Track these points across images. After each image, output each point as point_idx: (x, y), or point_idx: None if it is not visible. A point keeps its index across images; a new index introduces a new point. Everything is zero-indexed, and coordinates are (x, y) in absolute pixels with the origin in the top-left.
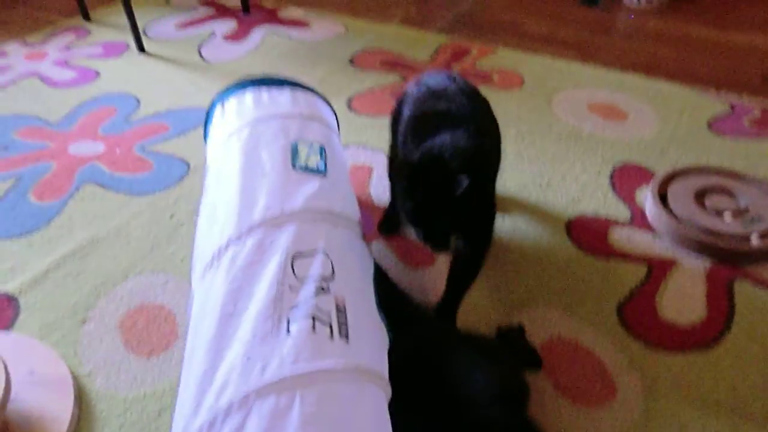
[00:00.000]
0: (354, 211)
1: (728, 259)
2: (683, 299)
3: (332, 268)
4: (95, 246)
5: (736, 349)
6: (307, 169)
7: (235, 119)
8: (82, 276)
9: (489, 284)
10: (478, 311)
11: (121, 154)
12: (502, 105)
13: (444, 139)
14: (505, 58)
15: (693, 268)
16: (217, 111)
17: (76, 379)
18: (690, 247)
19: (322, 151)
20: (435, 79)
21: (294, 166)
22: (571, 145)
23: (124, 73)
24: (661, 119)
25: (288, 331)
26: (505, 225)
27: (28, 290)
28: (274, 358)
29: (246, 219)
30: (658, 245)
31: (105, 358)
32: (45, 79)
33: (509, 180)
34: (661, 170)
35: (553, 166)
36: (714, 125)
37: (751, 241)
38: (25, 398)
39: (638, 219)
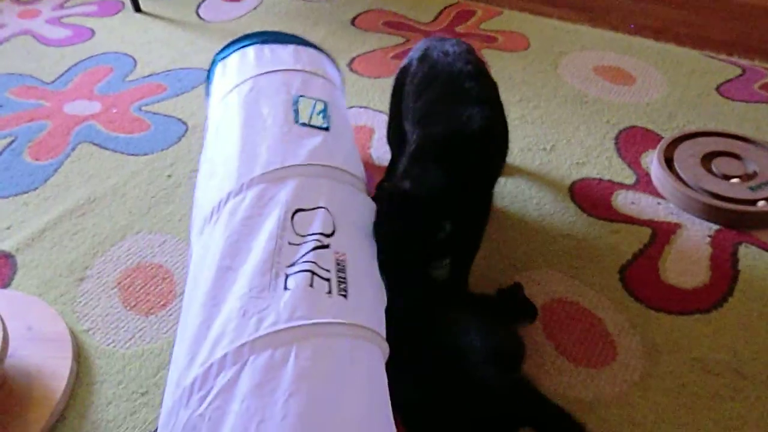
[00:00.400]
0: (358, 168)
1: (734, 223)
2: (686, 263)
3: (333, 224)
4: (92, 205)
5: (738, 313)
6: (309, 124)
7: (235, 75)
8: (79, 235)
9: (490, 246)
10: (479, 272)
11: (118, 114)
12: (507, 67)
13: (428, 171)
14: (511, 20)
15: (698, 232)
16: (219, 68)
17: (74, 335)
18: (695, 212)
19: (325, 107)
20: (440, 54)
21: (296, 121)
22: (576, 109)
23: (120, 33)
24: (669, 83)
25: (285, 286)
26: (507, 187)
27: (25, 248)
28: (270, 312)
29: (246, 173)
30: (663, 209)
31: (103, 315)
32: (39, 38)
33: (513, 143)
34: (668, 134)
35: (557, 130)
36: (723, 89)
37: (758, 205)
38: (24, 354)
39: (643, 183)
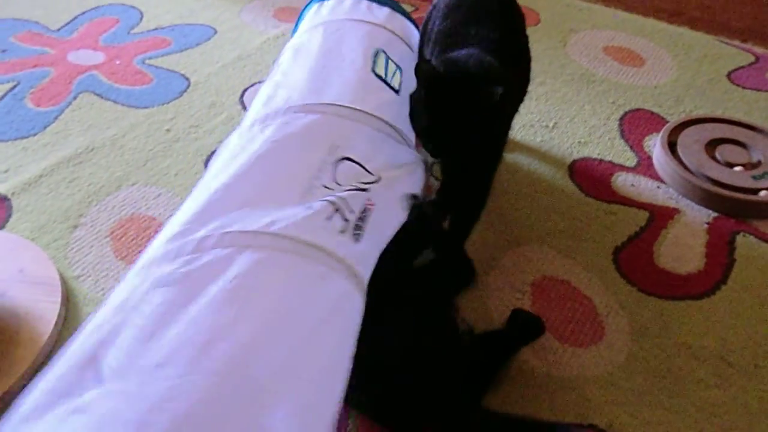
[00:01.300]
0: (414, 144)
1: (734, 211)
2: (682, 248)
3: (378, 175)
4: (90, 154)
5: (730, 301)
6: (383, 78)
7: (327, 14)
8: (75, 183)
9: (486, 219)
10: (472, 246)
11: (121, 66)
12: None
13: (472, 51)
14: None
15: (696, 218)
16: (314, 8)
17: (64, 281)
18: (695, 198)
19: (401, 73)
20: None
21: (372, 69)
22: (582, 88)
23: None
24: (679, 67)
25: (309, 206)
26: (506, 162)
27: (21, 192)
28: (282, 219)
29: (313, 96)
30: (663, 193)
31: (94, 263)
32: None
33: (515, 119)
34: (674, 119)
35: (561, 108)
36: (734, 76)
37: (760, 194)
38: (14, 295)
39: (645, 166)
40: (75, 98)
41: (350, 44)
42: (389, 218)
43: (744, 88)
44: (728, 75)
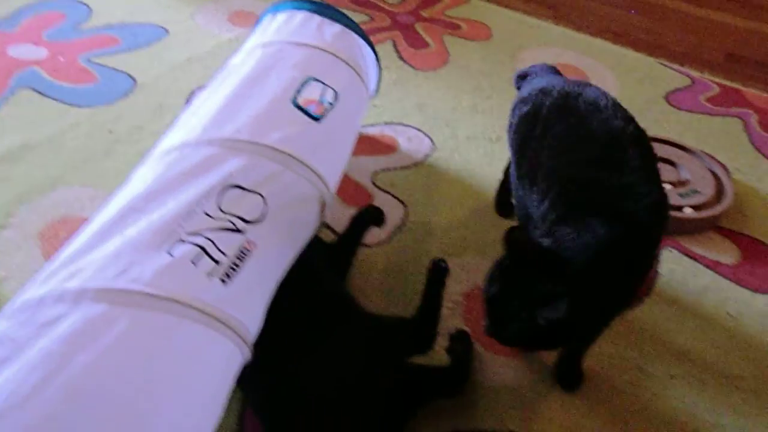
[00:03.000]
0: (331, 173)
1: None
2: None
3: (263, 214)
4: (25, 152)
5: (652, 313)
6: (301, 108)
7: (272, 33)
8: (7, 181)
9: (424, 229)
10: (410, 254)
11: (65, 63)
12: (466, 55)
13: (589, 238)
14: (476, 9)
15: None
16: (268, 17)
17: None
18: None
19: (334, 99)
20: (589, 105)
21: (293, 100)
22: None
23: None
24: (621, 86)
25: (170, 252)
26: (448, 173)
27: None
28: (137, 267)
29: (213, 130)
30: None
31: (21, 265)
32: None
33: (459, 129)
34: None
35: (506, 121)
36: (671, 98)
37: (684, 211)
38: None
39: None
40: (13, 94)
41: (280, 72)
42: (274, 257)
43: (679, 109)
44: (666, 96)
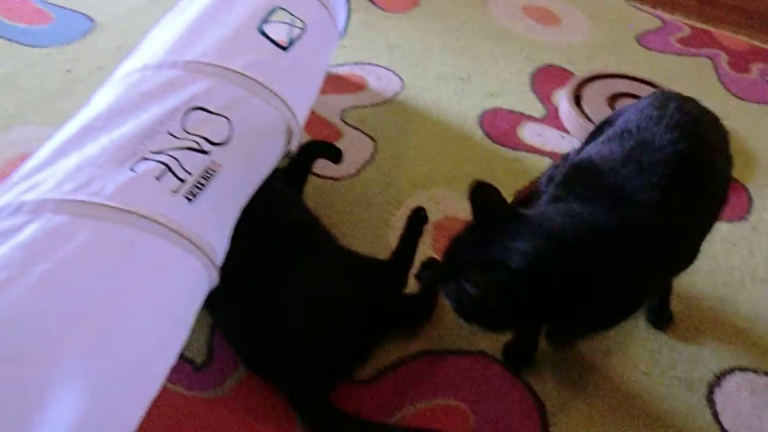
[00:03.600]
0: (300, 106)
1: None
2: None
3: (229, 137)
4: None
5: None
6: (267, 36)
7: None
8: None
9: (392, 163)
10: (377, 187)
11: (18, 3)
12: None
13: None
14: None
15: None
16: None
17: None
18: None
19: (302, 32)
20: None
21: (259, 27)
22: (498, 44)
23: None
24: (593, 27)
25: (133, 168)
26: (418, 110)
27: None
28: (98, 182)
29: (177, 52)
30: (566, 142)
31: None
32: None
33: (429, 69)
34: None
35: (476, 62)
36: (642, 38)
37: None
38: None
39: (552, 118)
40: None
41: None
42: (238, 179)
43: (650, 49)
44: (637, 37)
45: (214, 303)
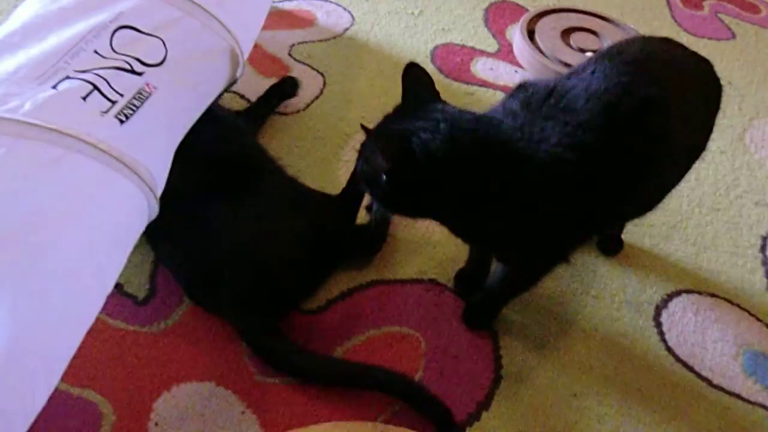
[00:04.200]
0: (242, 35)
1: None
2: None
3: (164, 58)
4: None
5: None
6: None
7: None
8: None
9: (342, 98)
10: (328, 121)
11: None
12: None
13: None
14: None
15: None
16: None
17: None
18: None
19: None
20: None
21: None
22: None
23: None
24: None
25: (55, 86)
26: (367, 45)
27: None
28: (15, 99)
29: None
30: (519, 77)
31: None
32: None
33: (380, 4)
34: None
35: None
36: None
37: None
38: None
39: (505, 53)
40: None
41: None
42: (175, 102)
43: None
44: None
45: (156, 234)
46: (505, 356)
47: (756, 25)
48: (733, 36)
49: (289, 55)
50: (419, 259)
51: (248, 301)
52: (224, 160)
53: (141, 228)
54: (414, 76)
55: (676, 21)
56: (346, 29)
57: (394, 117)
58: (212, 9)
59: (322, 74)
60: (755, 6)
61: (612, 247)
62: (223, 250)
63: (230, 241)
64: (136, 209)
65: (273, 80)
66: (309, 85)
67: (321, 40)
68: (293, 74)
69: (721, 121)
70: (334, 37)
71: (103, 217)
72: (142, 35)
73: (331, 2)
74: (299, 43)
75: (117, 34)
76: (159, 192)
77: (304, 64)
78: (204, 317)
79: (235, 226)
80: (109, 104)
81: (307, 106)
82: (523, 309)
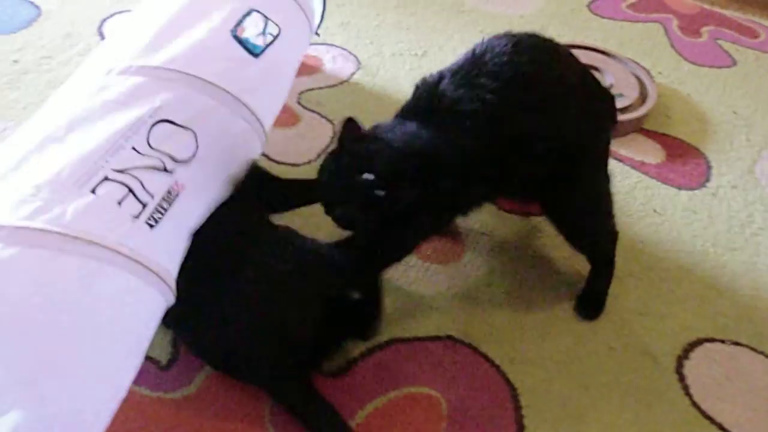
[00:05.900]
0: (268, 112)
1: None
2: None
3: (195, 153)
4: None
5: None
6: (240, 40)
7: None
8: None
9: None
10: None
11: None
12: None
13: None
14: None
15: None
16: None
17: None
18: None
19: (276, 36)
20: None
21: (232, 31)
22: (452, 18)
23: None
24: None
25: (95, 190)
26: (375, 87)
27: None
28: (57, 206)
29: (144, 57)
30: None
31: None
32: None
33: (384, 47)
34: None
35: (431, 37)
36: (594, 6)
37: None
38: None
39: None
40: None
41: (219, 1)
42: (201, 199)
43: (602, 17)
44: (589, 5)
45: (169, 318)
46: (527, 416)
47: (756, 50)
48: (734, 63)
49: (298, 103)
50: (436, 314)
51: (267, 363)
52: (221, 239)
53: (157, 323)
54: (348, 127)
55: (675, 49)
56: (353, 74)
57: (338, 166)
58: (244, 97)
59: (330, 121)
60: (753, 30)
61: (590, 306)
62: (236, 330)
63: (236, 309)
64: (155, 311)
65: (284, 130)
66: (319, 134)
67: (329, 87)
68: (303, 123)
69: (729, 154)
70: (341, 83)
71: (128, 325)
72: (177, 128)
73: (336, 46)
74: (307, 90)
75: (154, 129)
76: (174, 284)
77: (314, 111)
78: (225, 381)
79: (242, 294)
80: (141, 207)
81: (318, 155)
82: (542, 366)
